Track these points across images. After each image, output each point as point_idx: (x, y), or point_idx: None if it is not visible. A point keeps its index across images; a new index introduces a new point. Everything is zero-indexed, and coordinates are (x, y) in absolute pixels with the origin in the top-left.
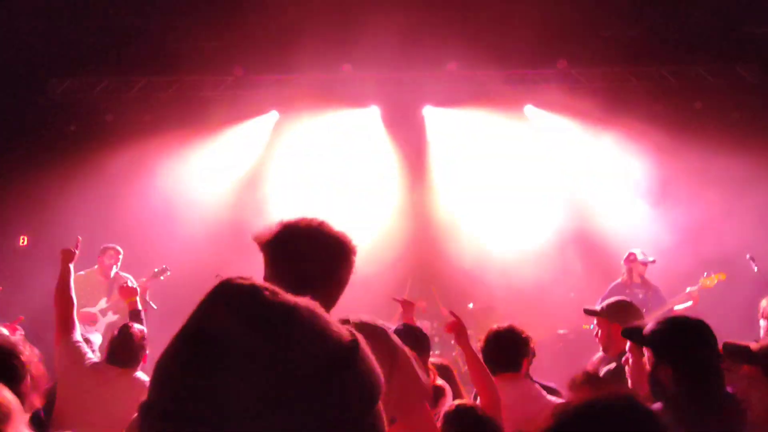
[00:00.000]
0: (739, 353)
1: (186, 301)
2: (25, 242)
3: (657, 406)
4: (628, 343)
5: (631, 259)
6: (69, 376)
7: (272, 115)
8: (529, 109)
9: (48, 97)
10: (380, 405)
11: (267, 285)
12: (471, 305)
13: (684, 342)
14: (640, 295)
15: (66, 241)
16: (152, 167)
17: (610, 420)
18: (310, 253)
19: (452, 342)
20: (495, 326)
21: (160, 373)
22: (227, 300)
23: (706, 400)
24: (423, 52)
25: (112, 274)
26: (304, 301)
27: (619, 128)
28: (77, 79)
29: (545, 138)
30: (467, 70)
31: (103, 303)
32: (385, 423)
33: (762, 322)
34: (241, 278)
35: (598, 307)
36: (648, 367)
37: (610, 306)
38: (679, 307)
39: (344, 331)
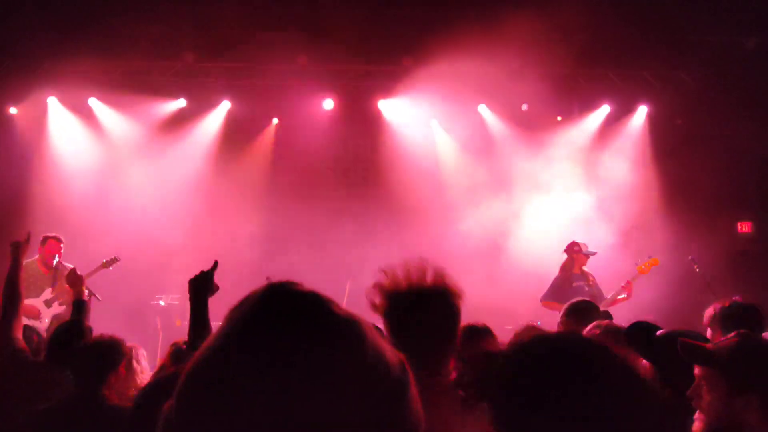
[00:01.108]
0: (697, 353)
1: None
2: None
3: None
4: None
5: (575, 249)
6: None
7: (224, 105)
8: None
9: None
10: None
11: (321, 292)
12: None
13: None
14: (586, 288)
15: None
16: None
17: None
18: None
19: None
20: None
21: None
22: (291, 311)
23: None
24: (379, 46)
25: (54, 263)
26: (362, 317)
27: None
28: (18, 60)
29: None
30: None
31: (47, 293)
32: None
33: (708, 331)
34: (295, 283)
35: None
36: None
37: (572, 309)
38: (619, 297)
39: (393, 356)
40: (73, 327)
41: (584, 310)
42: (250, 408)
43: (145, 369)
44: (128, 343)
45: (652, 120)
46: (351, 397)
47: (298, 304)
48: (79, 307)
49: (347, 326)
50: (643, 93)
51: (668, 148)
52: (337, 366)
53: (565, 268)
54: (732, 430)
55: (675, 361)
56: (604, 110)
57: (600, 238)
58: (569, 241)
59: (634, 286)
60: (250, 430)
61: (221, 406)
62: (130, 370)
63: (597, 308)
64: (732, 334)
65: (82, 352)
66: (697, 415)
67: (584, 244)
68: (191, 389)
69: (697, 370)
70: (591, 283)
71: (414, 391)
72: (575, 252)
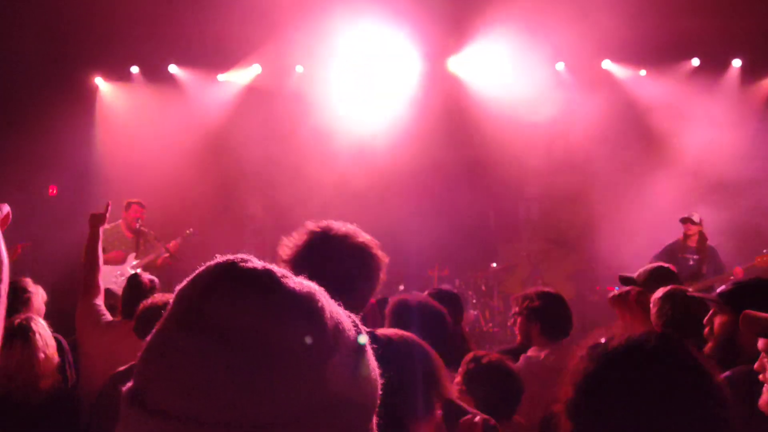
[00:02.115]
0: (759, 324)
1: None
2: (54, 192)
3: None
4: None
5: (685, 221)
6: (88, 337)
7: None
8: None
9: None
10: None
11: (278, 269)
12: (494, 265)
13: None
14: (691, 262)
15: (95, 193)
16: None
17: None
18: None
19: (473, 300)
20: (544, 289)
21: (152, 361)
22: (238, 289)
23: None
24: None
25: (137, 226)
26: (315, 287)
27: None
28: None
29: None
30: None
31: (131, 259)
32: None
33: None
34: (244, 260)
35: (634, 275)
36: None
37: (645, 273)
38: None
39: (349, 324)
40: (134, 281)
41: (664, 277)
42: (197, 390)
43: None
44: None
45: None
46: (305, 367)
47: (244, 280)
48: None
49: (294, 299)
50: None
51: None
52: (281, 338)
53: (678, 240)
54: None
55: None
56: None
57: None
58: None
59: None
60: (198, 410)
61: (168, 388)
62: None
63: (672, 277)
64: None
65: (148, 310)
66: (764, 388)
67: (697, 215)
68: (140, 369)
69: (760, 344)
70: (703, 259)
71: (369, 351)
72: (684, 224)
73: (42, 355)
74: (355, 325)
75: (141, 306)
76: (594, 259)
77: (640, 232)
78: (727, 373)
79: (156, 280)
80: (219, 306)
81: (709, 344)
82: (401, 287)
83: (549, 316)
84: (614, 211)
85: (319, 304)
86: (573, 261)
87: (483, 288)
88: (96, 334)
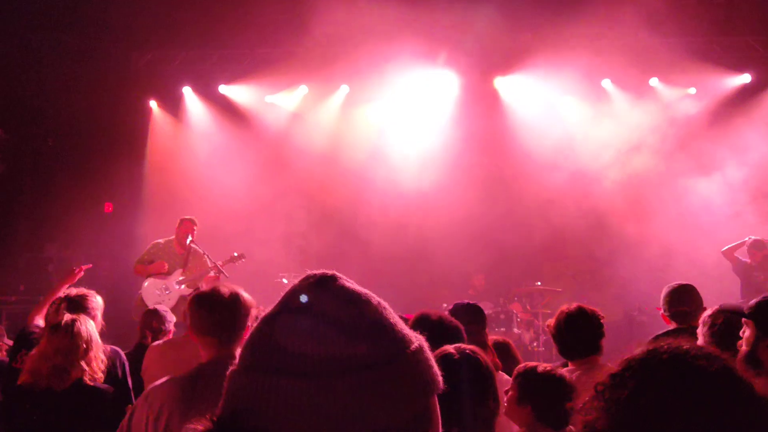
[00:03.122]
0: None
1: None
2: (111, 209)
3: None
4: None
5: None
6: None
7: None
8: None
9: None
10: (435, 402)
11: (345, 277)
12: (539, 284)
13: None
14: (761, 278)
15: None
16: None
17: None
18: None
19: (517, 319)
20: (565, 308)
21: (250, 345)
22: (309, 285)
23: None
24: None
25: (187, 242)
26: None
27: None
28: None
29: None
30: None
31: (177, 274)
32: (439, 420)
33: None
34: (327, 272)
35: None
36: (746, 344)
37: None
38: None
39: (410, 331)
40: None
41: (682, 293)
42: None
43: None
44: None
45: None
46: (372, 352)
47: (320, 284)
48: None
49: (360, 296)
50: None
51: None
52: (348, 321)
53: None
54: None
55: None
56: (744, 79)
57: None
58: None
59: None
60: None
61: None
62: None
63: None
64: None
65: None
66: None
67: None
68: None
69: None
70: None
71: (427, 353)
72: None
73: (83, 346)
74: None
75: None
76: (640, 279)
77: (683, 250)
78: None
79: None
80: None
81: (739, 356)
82: (444, 305)
83: (565, 334)
84: (660, 229)
85: (373, 303)
86: (619, 281)
87: (528, 307)
88: (158, 349)
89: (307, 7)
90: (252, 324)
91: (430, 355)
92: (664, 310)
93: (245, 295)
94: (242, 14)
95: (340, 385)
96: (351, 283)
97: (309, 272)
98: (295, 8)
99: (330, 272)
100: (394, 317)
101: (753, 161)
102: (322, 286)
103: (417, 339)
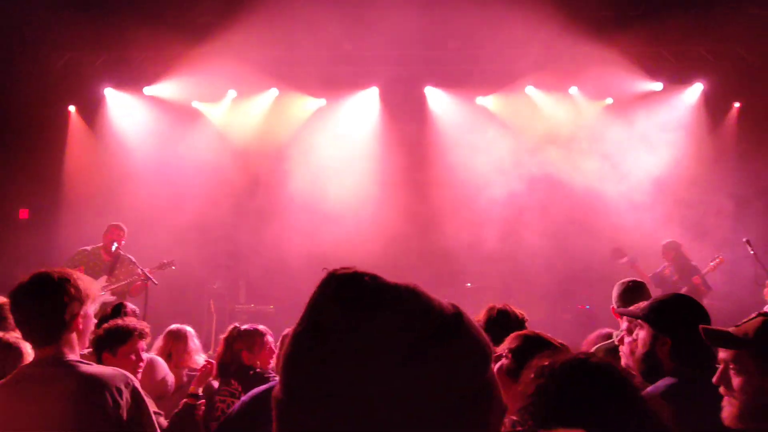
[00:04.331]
0: (722, 337)
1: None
2: (26, 216)
3: (667, 382)
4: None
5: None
6: None
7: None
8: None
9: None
10: (492, 369)
11: (367, 271)
12: (469, 284)
13: (683, 316)
14: (675, 277)
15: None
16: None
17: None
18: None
19: None
20: (489, 307)
21: (289, 370)
22: (334, 291)
23: (705, 374)
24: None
25: (113, 248)
26: (405, 282)
27: None
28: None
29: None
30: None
31: (102, 281)
32: (499, 387)
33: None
34: (344, 268)
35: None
36: (642, 344)
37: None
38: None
39: (447, 304)
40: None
41: (634, 290)
42: (308, 374)
43: (198, 349)
44: (181, 327)
45: (708, 98)
46: (386, 348)
47: (342, 283)
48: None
49: (385, 292)
50: (698, 70)
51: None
52: (374, 326)
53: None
54: (766, 409)
55: None
56: (657, 87)
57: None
58: None
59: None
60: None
61: (294, 369)
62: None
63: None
64: (753, 314)
65: None
66: (725, 401)
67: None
68: (282, 373)
69: (721, 355)
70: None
71: (469, 332)
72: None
73: None
74: (453, 306)
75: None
76: (567, 279)
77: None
78: (650, 388)
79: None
80: (326, 311)
81: (635, 357)
82: None
83: (488, 333)
84: (587, 231)
85: (403, 295)
86: (545, 281)
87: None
88: None
89: (237, 9)
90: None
91: (474, 323)
92: (614, 305)
93: (77, 280)
94: (170, 16)
95: (397, 381)
96: (375, 280)
97: (329, 271)
98: (223, 10)
99: (351, 271)
100: (427, 295)
101: (660, 162)
102: (347, 293)
103: (456, 308)
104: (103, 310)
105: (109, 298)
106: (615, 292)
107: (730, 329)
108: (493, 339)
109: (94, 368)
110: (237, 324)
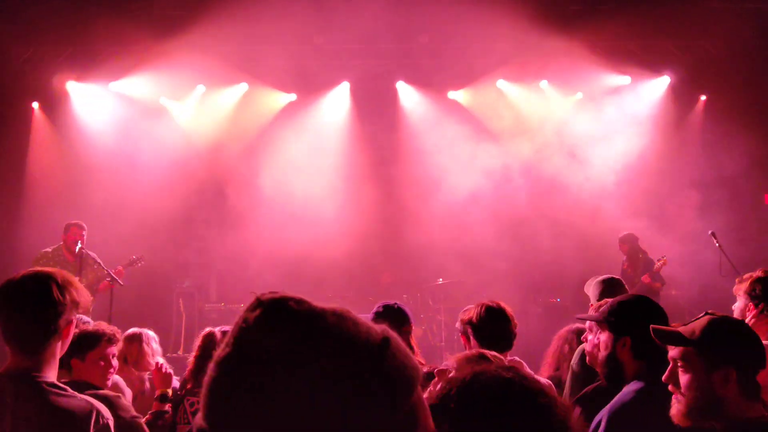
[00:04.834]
0: (671, 336)
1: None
2: None
3: (633, 387)
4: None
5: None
6: None
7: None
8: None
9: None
10: (418, 394)
11: (294, 296)
12: (441, 280)
13: (641, 315)
14: (630, 271)
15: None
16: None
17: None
18: None
19: (421, 315)
20: (488, 302)
21: (210, 397)
22: (259, 318)
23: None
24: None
25: (77, 249)
26: (332, 307)
27: None
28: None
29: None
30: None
31: None
32: (427, 411)
33: (739, 302)
34: (272, 293)
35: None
36: (604, 347)
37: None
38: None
39: (375, 330)
40: None
41: (611, 285)
42: (231, 402)
43: (156, 352)
44: (137, 330)
45: (675, 91)
46: (309, 378)
47: (267, 309)
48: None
49: (311, 319)
50: (665, 63)
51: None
52: (294, 350)
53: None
54: (712, 405)
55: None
56: (624, 81)
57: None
58: None
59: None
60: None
61: (215, 397)
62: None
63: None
64: (701, 314)
65: None
66: (673, 399)
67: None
68: (204, 400)
69: (670, 353)
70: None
71: (395, 360)
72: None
73: None
74: (382, 330)
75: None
76: (539, 272)
77: (583, 245)
78: (618, 396)
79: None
80: (249, 337)
81: (598, 360)
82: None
83: (484, 331)
84: (557, 224)
85: (324, 321)
86: (517, 274)
87: (430, 302)
88: None
89: (205, 1)
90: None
91: (403, 348)
92: (593, 300)
93: (78, 286)
94: (136, 8)
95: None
96: (301, 305)
97: (256, 296)
98: (191, 3)
99: (278, 296)
100: (354, 321)
101: (627, 154)
102: (272, 320)
103: (384, 333)
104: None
105: None
106: (593, 291)
107: (679, 328)
108: (487, 335)
109: (65, 401)
110: (212, 329)
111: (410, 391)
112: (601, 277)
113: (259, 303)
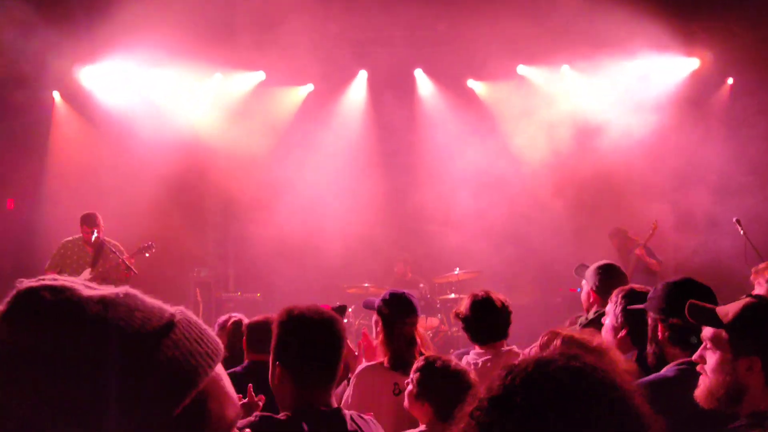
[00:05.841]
0: (705, 314)
1: None
2: (12, 206)
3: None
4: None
5: None
6: None
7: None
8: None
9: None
10: (212, 383)
11: (56, 284)
12: (458, 270)
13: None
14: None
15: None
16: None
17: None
18: None
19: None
20: (473, 294)
21: None
22: (7, 306)
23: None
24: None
25: (93, 239)
26: (111, 293)
27: None
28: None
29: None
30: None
31: (86, 274)
32: (228, 398)
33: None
34: (39, 279)
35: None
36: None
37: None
38: None
39: (158, 317)
40: None
41: (611, 270)
42: None
43: None
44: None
45: (702, 73)
46: (60, 378)
47: (15, 297)
48: None
49: (63, 309)
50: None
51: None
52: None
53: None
54: (734, 391)
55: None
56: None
57: None
58: None
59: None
60: None
61: None
62: None
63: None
64: (743, 296)
65: None
66: (700, 379)
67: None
68: None
69: (704, 332)
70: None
71: (181, 336)
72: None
73: None
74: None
75: None
76: (557, 261)
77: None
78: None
79: None
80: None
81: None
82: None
83: (473, 322)
84: (574, 215)
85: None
86: (536, 265)
87: (447, 292)
88: None
89: None
90: None
91: (195, 333)
92: (593, 287)
93: None
94: None
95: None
96: (57, 294)
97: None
98: None
99: (33, 285)
100: (131, 308)
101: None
102: (17, 313)
103: (170, 318)
104: None
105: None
106: (594, 278)
107: (717, 308)
108: (478, 326)
109: None
110: (235, 315)
111: (192, 383)
112: (599, 264)
113: (16, 291)
